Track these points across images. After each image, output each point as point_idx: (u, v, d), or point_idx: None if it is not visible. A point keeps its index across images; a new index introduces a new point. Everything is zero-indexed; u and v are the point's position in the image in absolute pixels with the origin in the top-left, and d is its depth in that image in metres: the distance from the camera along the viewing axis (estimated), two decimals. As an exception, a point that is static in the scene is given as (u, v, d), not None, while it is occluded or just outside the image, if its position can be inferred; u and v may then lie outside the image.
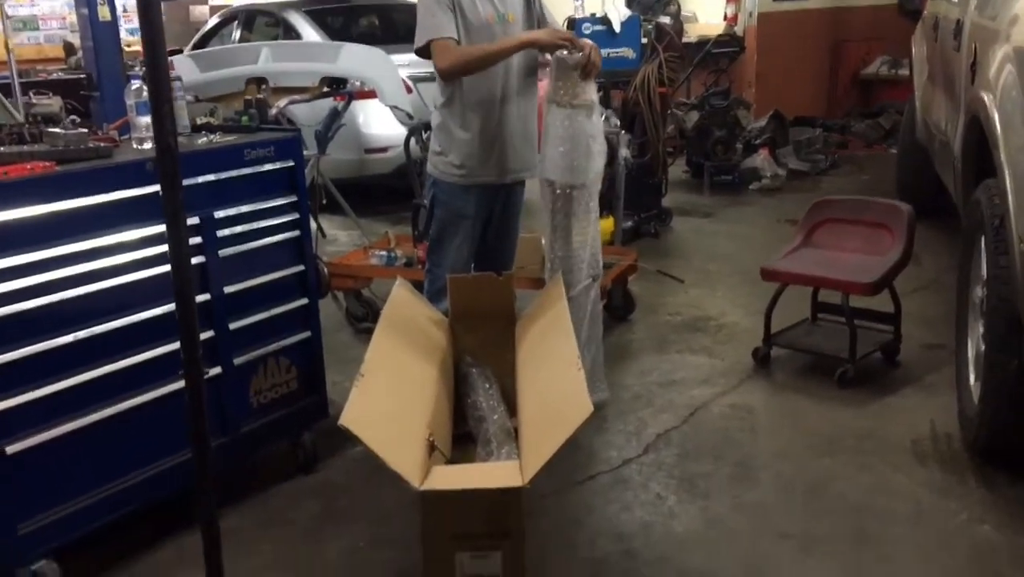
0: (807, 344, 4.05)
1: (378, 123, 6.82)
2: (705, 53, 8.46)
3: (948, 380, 3.58)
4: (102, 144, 2.76)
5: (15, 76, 7.55)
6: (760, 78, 9.43)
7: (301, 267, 3.18)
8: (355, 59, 7.00)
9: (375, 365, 2.65)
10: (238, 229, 2.94)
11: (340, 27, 8.26)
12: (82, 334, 2.54)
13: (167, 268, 2.60)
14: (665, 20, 6.25)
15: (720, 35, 9.17)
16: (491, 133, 3.35)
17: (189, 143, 2.95)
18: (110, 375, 2.61)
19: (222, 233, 2.89)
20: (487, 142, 3.36)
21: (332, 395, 3.39)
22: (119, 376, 2.64)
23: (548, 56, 3.33)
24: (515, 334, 3.28)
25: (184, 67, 7.64)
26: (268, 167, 3.03)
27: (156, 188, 2.57)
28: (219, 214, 2.87)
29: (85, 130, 2.80)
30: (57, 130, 2.72)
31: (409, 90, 6.88)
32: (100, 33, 6.23)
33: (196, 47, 8.93)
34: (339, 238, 6.37)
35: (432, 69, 3.31)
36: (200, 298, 2.84)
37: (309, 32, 7.85)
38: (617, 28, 5.45)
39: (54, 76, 9.02)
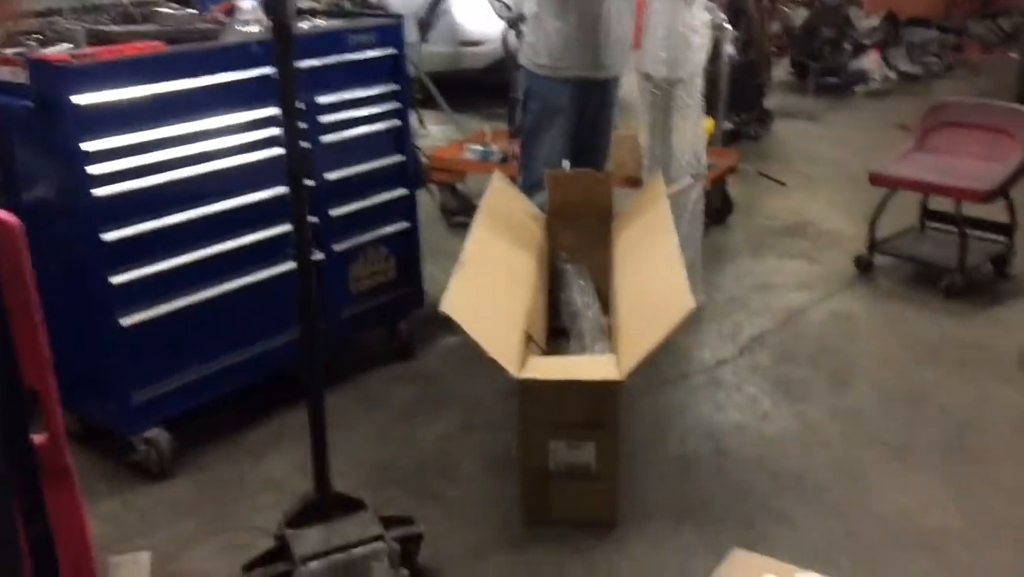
0: (913, 252, 3.91)
1: (474, 15, 6.68)
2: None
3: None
4: (210, 26, 2.77)
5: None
6: (874, -26, 8.92)
7: (401, 157, 3.19)
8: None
9: (475, 255, 2.66)
10: (340, 116, 2.94)
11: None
12: (192, 214, 2.59)
13: (272, 152, 2.68)
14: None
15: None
16: (586, 27, 3.26)
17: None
18: (219, 255, 2.68)
19: (325, 119, 2.89)
20: (582, 36, 3.27)
21: (427, 287, 3.43)
22: (228, 257, 2.70)
23: None
24: (612, 232, 3.25)
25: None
26: (370, 54, 3.00)
27: (262, 71, 2.60)
28: (322, 100, 2.87)
29: (195, 11, 2.81)
30: (166, 10, 2.74)
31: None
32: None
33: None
34: (433, 132, 6.35)
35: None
36: (305, 184, 2.88)
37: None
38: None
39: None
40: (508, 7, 6.31)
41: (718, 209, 4.54)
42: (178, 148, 2.54)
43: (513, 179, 3.54)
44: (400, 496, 2.57)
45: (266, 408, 2.95)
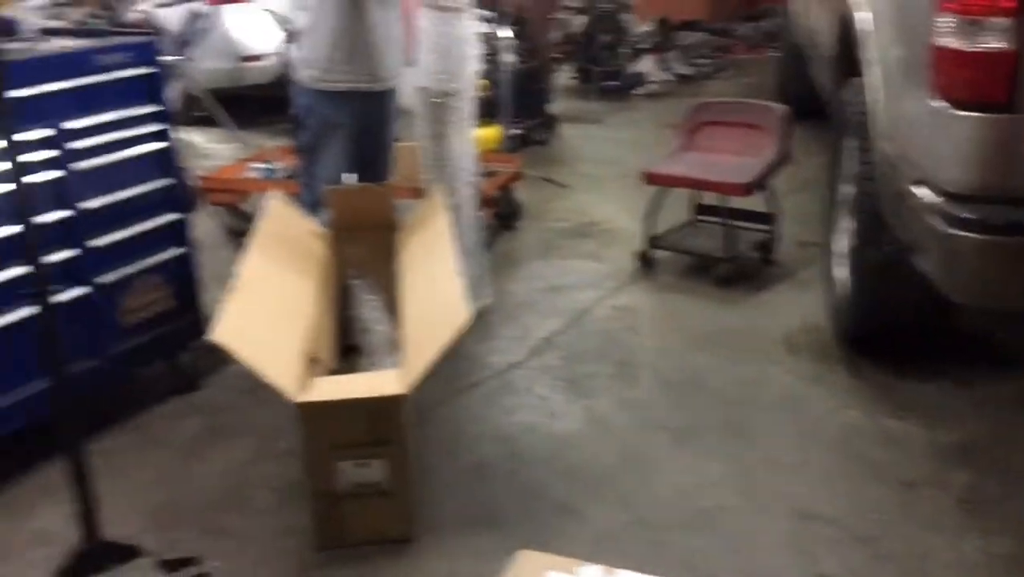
0: (687, 245, 4.13)
1: (252, 29, 6.51)
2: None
3: (820, 276, 3.72)
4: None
5: None
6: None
7: (168, 180, 3.05)
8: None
9: (248, 279, 2.59)
10: (94, 141, 2.78)
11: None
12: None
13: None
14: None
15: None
16: (358, 39, 3.24)
17: (33, 48, 2.76)
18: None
19: (76, 145, 2.73)
20: (354, 48, 3.24)
21: (212, 314, 3.29)
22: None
23: None
24: (397, 244, 3.24)
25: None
26: (124, 74, 2.86)
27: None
28: (71, 125, 2.71)
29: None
30: None
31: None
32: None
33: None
34: (218, 151, 6.13)
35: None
36: (60, 215, 2.71)
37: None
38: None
39: None
40: (287, 20, 6.21)
41: (507, 215, 4.63)
42: None
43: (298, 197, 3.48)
44: (188, 536, 2.46)
45: (34, 458, 2.75)
